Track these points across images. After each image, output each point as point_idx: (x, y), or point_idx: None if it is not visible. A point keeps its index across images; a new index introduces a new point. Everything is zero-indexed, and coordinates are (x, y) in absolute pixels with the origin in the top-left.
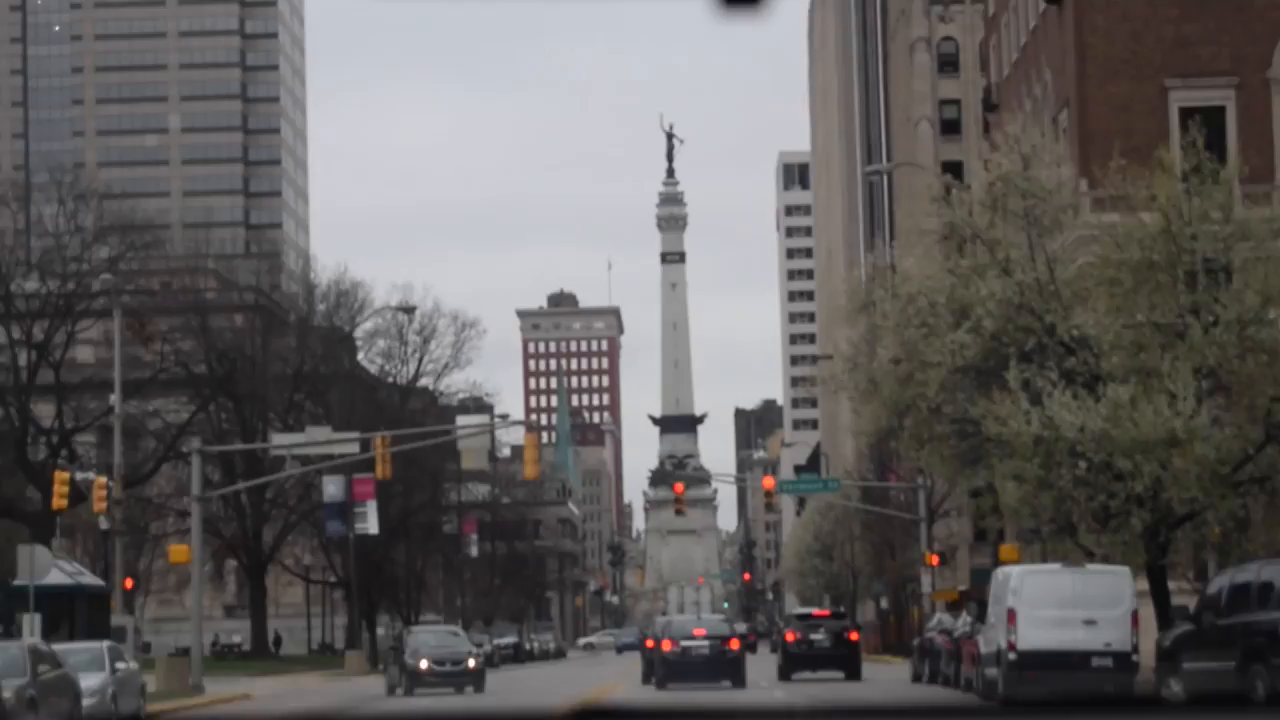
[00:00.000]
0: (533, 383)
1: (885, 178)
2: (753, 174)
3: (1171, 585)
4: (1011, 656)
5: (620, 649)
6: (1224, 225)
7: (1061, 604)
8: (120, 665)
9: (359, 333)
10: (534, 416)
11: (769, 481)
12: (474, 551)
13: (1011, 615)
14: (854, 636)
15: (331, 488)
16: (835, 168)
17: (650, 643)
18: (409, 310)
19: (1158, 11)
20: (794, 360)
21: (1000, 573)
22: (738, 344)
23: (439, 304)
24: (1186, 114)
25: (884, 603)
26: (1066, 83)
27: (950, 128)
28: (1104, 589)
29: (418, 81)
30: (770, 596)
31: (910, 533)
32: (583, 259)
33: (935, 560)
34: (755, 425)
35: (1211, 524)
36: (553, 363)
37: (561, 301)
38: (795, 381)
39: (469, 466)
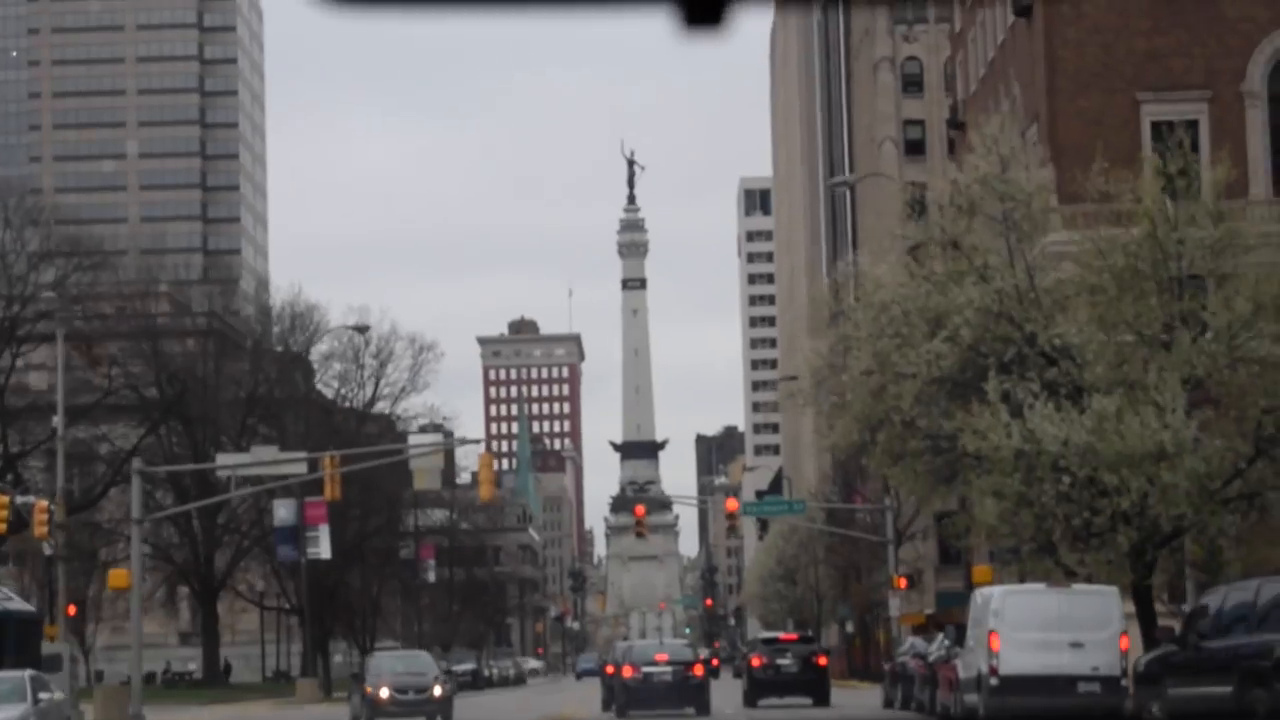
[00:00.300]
0: (494, 409)
1: (849, 193)
2: (714, 200)
3: None
4: (993, 681)
5: (580, 674)
6: (1211, 231)
7: (1046, 626)
8: (44, 696)
9: (314, 355)
10: (495, 444)
11: (732, 504)
12: (431, 577)
13: (993, 638)
14: (822, 661)
15: (282, 511)
16: (798, 189)
17: (610, 669)
18: (363, 330)
19: (1129, 24)
20: (755, 386)
21: (980, 594)
22: (699, 371)
23: (396, 327)
24: (1159, 127)
25: (849, 626)
26: (1036, 96)
27: (915, 148)
28: (1091, 610)
29: (379, 108)
30: (732, 622)
31: (877, 555)
32: (544, 287)
33: (903, 583)
34: (716, 451)
35: (1192, 543)
36: (514, 390)
37: (522, 328)
38: (757, 406)
39: (422, 487)
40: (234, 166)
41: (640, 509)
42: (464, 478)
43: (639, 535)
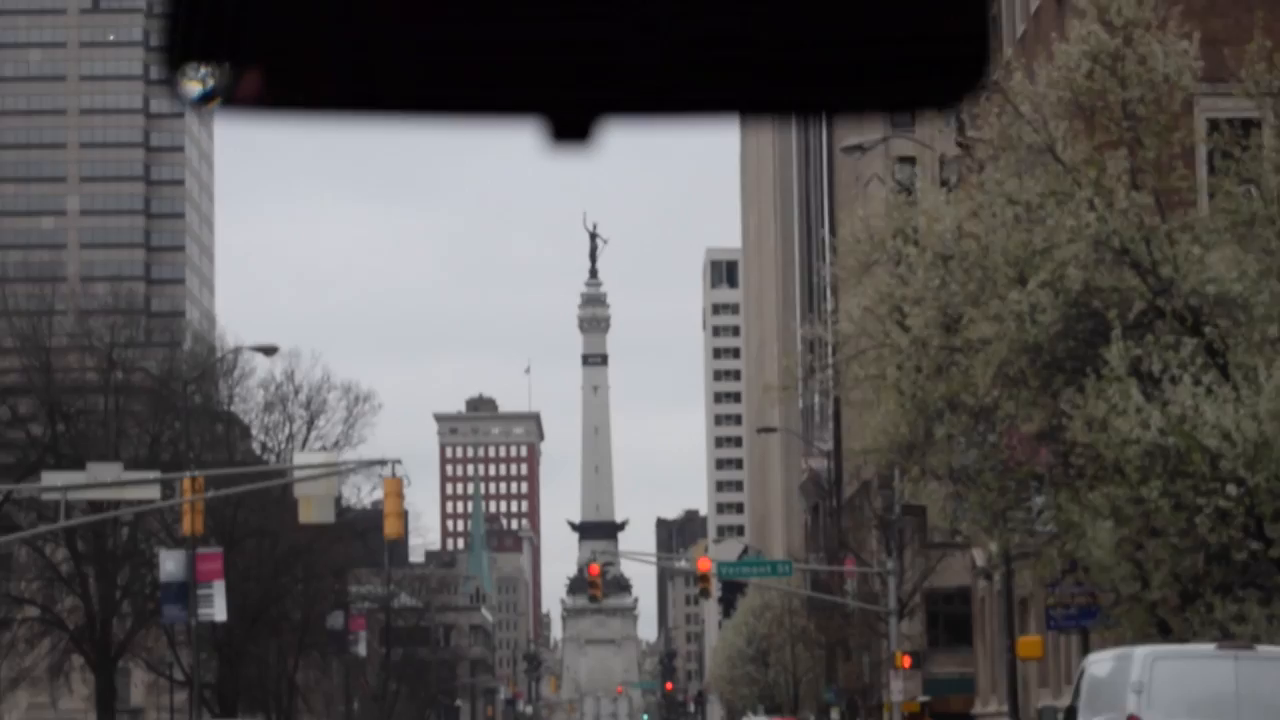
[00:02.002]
0: (450, 488)
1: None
2: (676, 285)
3: None
4: None
5: None
6: None
7: (1218, 707)
8: None
9: (239, 409)
10: (450, 522)
11: (704, 563)
12: (363, 650)
13: None
14: None
15: (169, 564)
16: (770, 242)
17: None
18: (269, 351)
19: None
20: (719, 464)
21: (1106, 659)
22: (659, 456)
23: (329, 374)
24: None
25: (836, 716)
26: None
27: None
28: None
29: (331, 191)
30: (692, 708)
31: (873, 629)
32: (503, 368)
33: (907, 661)
34: (677, 534)
35: None
36: (471, 468)
37: (480, 406)
38: (720, 486)
39: (310, 520)
40: (179, 226)
41: (595, 568)
42: (416, 555)
43: (593, 598)
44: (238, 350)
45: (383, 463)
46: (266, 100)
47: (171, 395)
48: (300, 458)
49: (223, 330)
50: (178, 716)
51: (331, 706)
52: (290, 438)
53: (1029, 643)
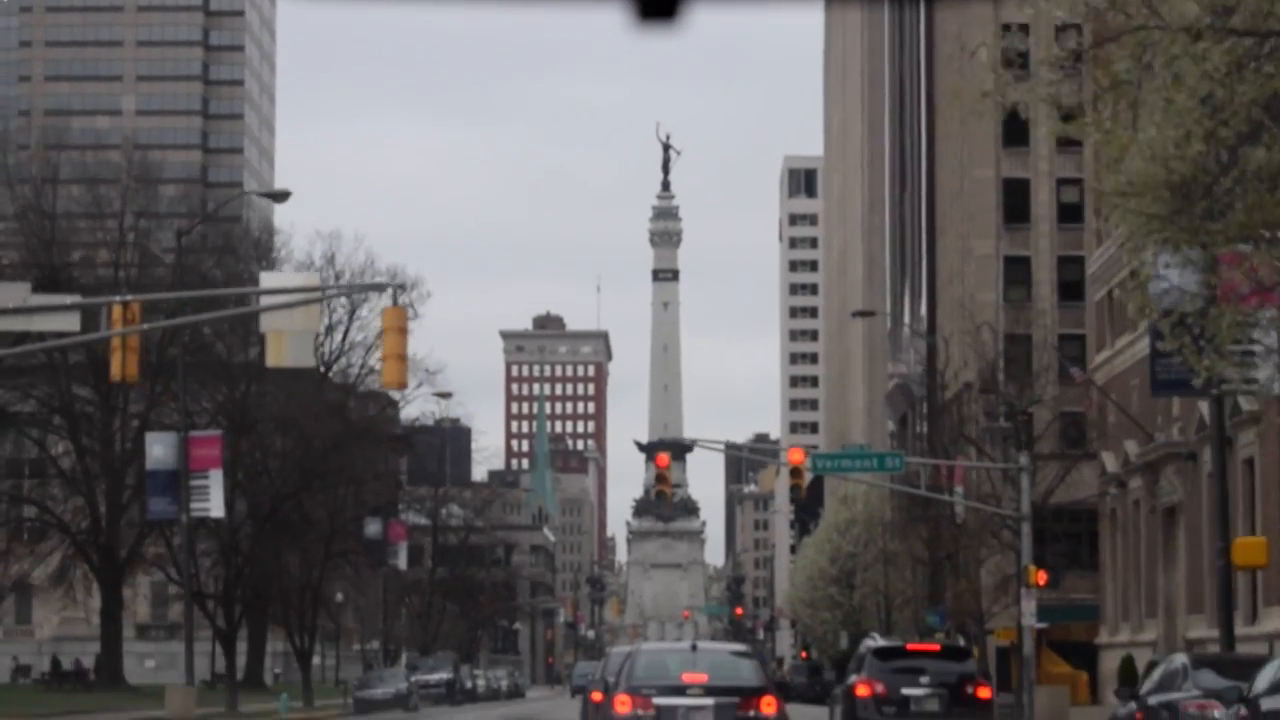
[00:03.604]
0: (515, 407)
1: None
2: (749, 210)
3: None
4: None
5: (575, 691)
6: None
7: None
8: None
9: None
10: (515, 443)
11: (797, 454)
12: (403, 563)
13: None
14: (984, 693)
15: (157, 449)
16: (855, 138)
17: (597, 696)
18: (280, 197)
19: None
20: (793, 382)
21: None
22: (729, 386)
23: (373, 259)
24: None
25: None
26: None
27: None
28: None
29: (399, 107)
30: (761, 635)
31: (996, 539)
32: (572, 288)
33: (1043, 577)
34: (746, 459)
35: None
36: (537, 388)
37: (548, 324)
38: (794, 404)
39: (281, 363)
40: (238, 128)
41: (663, 458)
42: (479, 473)
43: (660, 494)
44: (242, 194)
45: (381, 287)
46: None
47: (187, 273)
48: (270, 278)
49: (279, 235)
50: (175, 632)
51: (368, 623)
52: (329, 329)
53: (1249, 546)
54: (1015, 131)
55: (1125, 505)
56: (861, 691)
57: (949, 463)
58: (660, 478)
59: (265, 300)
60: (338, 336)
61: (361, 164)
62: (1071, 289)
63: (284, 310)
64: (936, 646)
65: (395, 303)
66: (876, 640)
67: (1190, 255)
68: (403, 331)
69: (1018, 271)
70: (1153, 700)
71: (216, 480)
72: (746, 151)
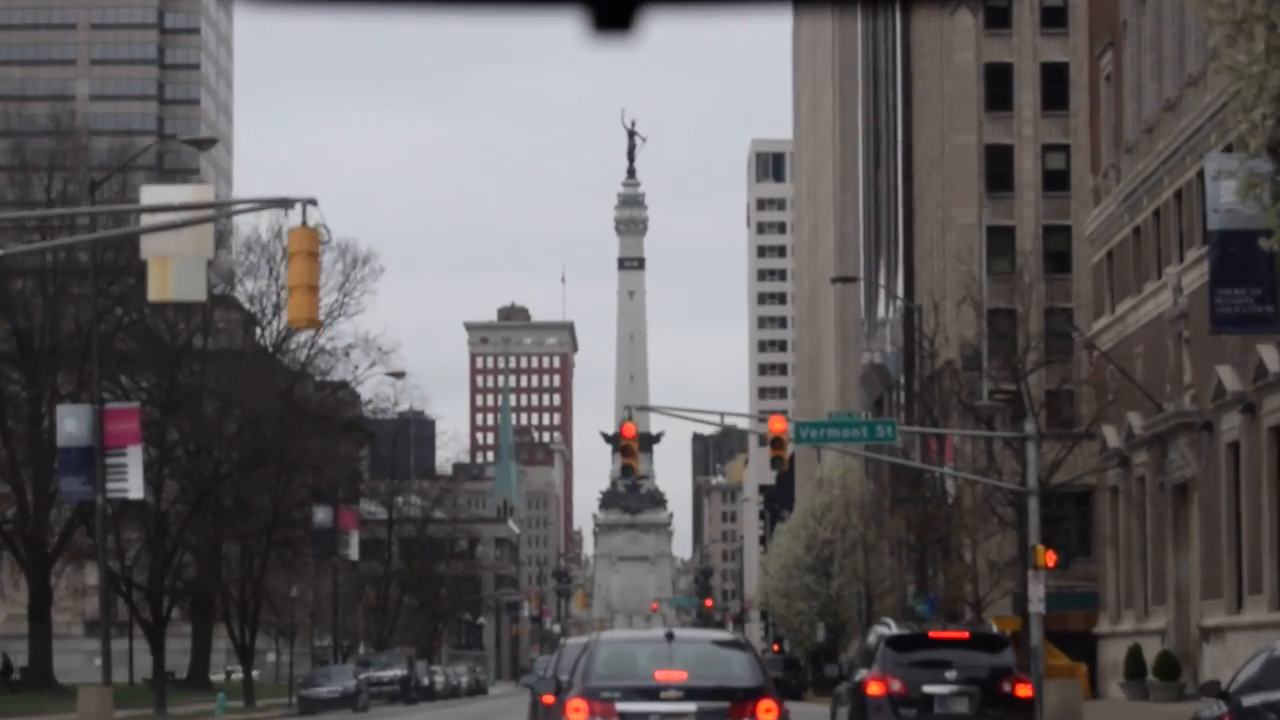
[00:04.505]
0: (480, 399)
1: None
2: (714, 205)
3: None
4: None
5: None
6: None
7: None
8: None
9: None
10: (480, 435)
11: (778, 422)
12: (353, 554)
13: None
14: (1024, 690)
15: (70, 424)
16: (825, 114)
17: (548, 699)
18: (205, 144)
19: None
20: (762, 369)
21: None
22: (695, 378)
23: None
24: None
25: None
26: None
27: (999, 19)
28: None
29: (348, 100)
30: (729, 628)
31: (987, 523)
32: (536, 285)
33: (1051, 558)
34: (714, 450)
35: None
36: (502, 379)
37: (513, 315)
38: (763, 393)
39: (164, 297)
40: (194, 112)
41: (629, 427)
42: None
43: (626, 467)
44: (163, 137)
45: (288, 202)
46: None
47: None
48: (152, 193)
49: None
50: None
51: (320, 618)
52: (277, 308)
53: None
54: (998, 95)
55: (1129, 483)
56: (874, 689)
57: (950, 431)
58: (627, 450)
59: (147, 220)
60: (285, 317)
61: (324, 156)
62: (1058, 260)
63: (171, 232)
64: (965, 634)
65: (305, 223)
66: (890, 627)
67: None
68: (313, 257)
69: (1001, 242)
70: (1250, 700)
71: (135, 458)
72: (714, 140)
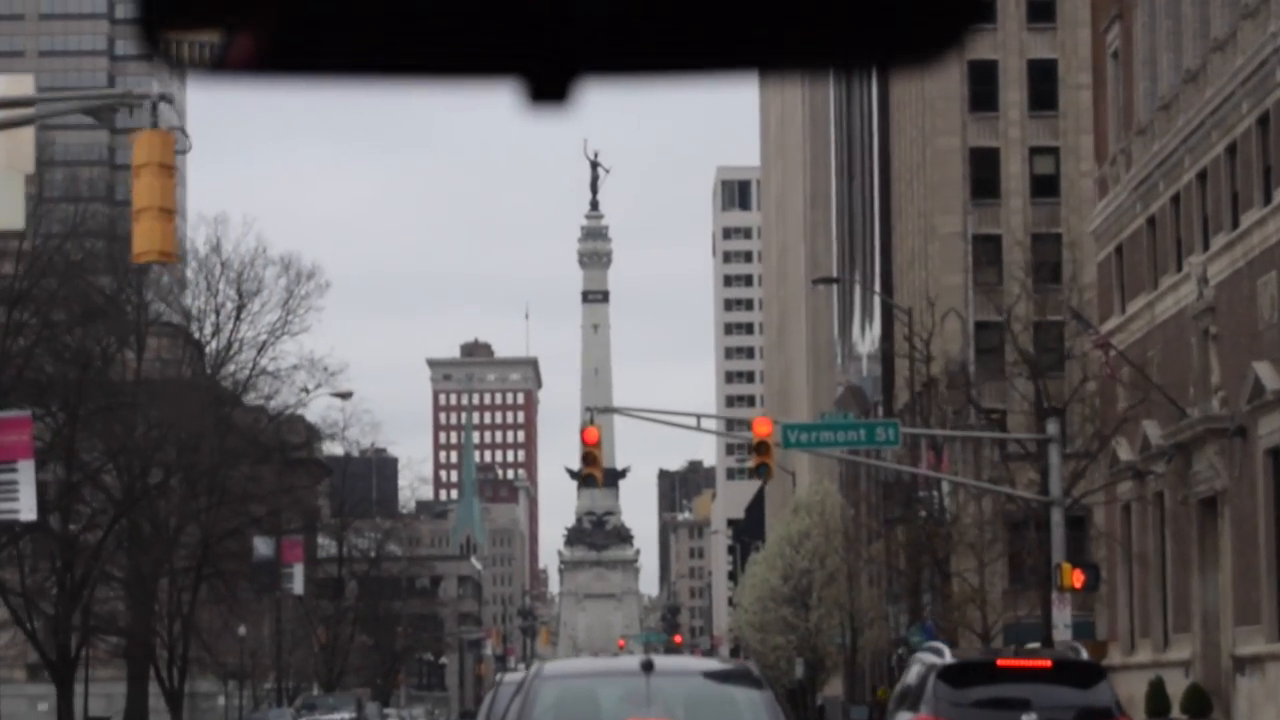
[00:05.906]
0: (443, 437)
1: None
2: (678, 247)
3: None
4: None
5: None
6: None
7: None
8: None
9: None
10: (443, 473)
11: (763, 425)
12: (297, 588)
13: None
14: None
15: None
16: (794, 129)
17: None
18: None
19: None
20: (729, 401)
21: None
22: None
23: (264, 246)
24: None
25: None
26: None
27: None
28: None
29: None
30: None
31: (997, 539)
32: (500, 324)
33: (1079, 577)
34: (680, 486)
35: None
36: (465, 416)
37: (476, 351)
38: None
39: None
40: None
41: (592, 432)
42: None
43: (589, 476)
44: (70, 99)
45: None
46: (242, 65)
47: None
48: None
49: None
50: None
51: (260, 658)
52: (217, 327)
53: None
54: (983, 94)
55: (1143, 499)
56: None
57: (962, 433)
58: (588, 457)
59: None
60: (225, 333)
61: (281, 201)
62: (1049, 270)
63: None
64: (1047, 662)
65: (155, 124)
66: (944, 655)
67: None
68: (166, 169)
69: (987, 251)
70: None
71: (28, 474)
72: (678, 173)
